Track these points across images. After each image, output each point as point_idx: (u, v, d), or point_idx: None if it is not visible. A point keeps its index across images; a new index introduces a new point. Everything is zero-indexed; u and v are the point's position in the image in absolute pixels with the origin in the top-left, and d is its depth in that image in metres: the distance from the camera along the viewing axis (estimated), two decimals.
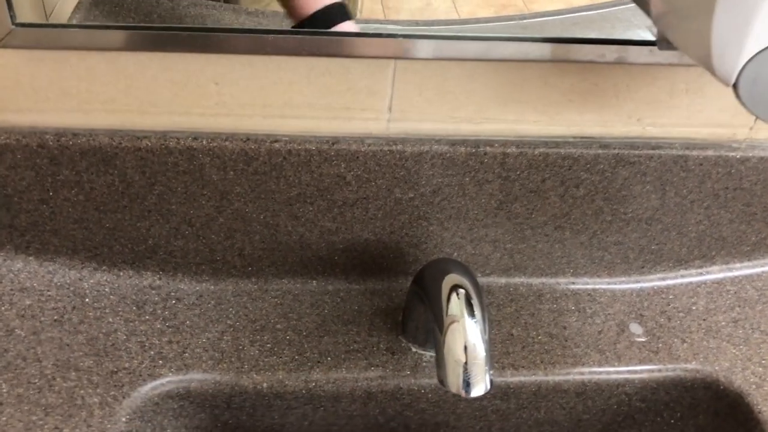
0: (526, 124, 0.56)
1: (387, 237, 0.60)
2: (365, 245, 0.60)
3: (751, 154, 0.58)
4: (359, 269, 0.62)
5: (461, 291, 0.49)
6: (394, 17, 0.61)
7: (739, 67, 0.39)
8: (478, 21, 0.61)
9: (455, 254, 0.62)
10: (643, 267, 0.65)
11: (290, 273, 0.61)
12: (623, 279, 0.65)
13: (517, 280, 0.64)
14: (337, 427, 0.58)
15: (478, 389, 0.46)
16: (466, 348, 0.47)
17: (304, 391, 0.55)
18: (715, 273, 0.66)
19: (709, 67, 0.40)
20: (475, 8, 0.63)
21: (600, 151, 0.56)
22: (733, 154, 0.58)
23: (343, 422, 0.58)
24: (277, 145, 0.53)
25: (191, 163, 0.53)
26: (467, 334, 0.47)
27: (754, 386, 0.57)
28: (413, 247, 0.61)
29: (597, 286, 0.64)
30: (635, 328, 0.62)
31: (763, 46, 0.39)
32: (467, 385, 0.46)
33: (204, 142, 0.52)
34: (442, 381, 0.47)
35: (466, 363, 0.47)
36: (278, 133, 0.54)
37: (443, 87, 0.53)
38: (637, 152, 0.57)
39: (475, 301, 0.49)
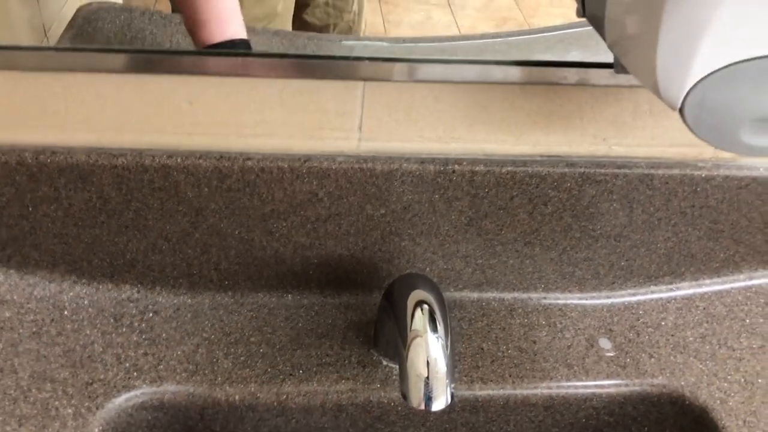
0: (493, 144, 0.57)
1: (360, 252, 0.61)
2: (339, 260, 0.61)
3: (716, 173, 0.60)
4: (333, 284, 0.63)
5: (425, 307, 0.51)
6: (394, 31, 0.62)
7: (684, 92, 0.41)
8: (474, 38, 0.62)
9: (427, 269, 0.63)
10: (613, 283, 0.66)
11: (266, 287, 0.62)
12: (594, 294, 0.66)
13: (488, 295, 0.65)
14: None
15: (439, 404, 0.47)
16: (428, 363, 0.48)
17: (275, 404, 0.56)
18: (684, 289, 0.67)
19: (656, 92, 0.42)
20: (475, 22, 0.64)
21: (566, 170, 0.58)
22: (699, 173, 0.59)
23: None
24: (250, 162, 0.54)
25: (166, 180, 0.55)
26: (429, 349, 0.48)
27: (719, 401, 0.58)
28: (386, 262, 0.62)
29: (568, 301, 0.66)
30: (604, 342, 0.63)
31: (707, 72, 0.40)
32: (428, 399, 0.48)
33: (179, 160, 0.54)
34: (404, 395, 0.48)
35: (427, 377, 0.48)
36: (251, 151, 0.55)
37: (411, 108, 0.55)
38: (603, 171, 0.58)
39: (438, 317, 0.50)
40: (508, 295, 0.65)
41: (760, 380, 0.60)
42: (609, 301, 0.66)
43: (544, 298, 0.66)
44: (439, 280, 0.64)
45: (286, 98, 0.54)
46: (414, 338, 0.49)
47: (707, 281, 0.67)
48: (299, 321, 0.61)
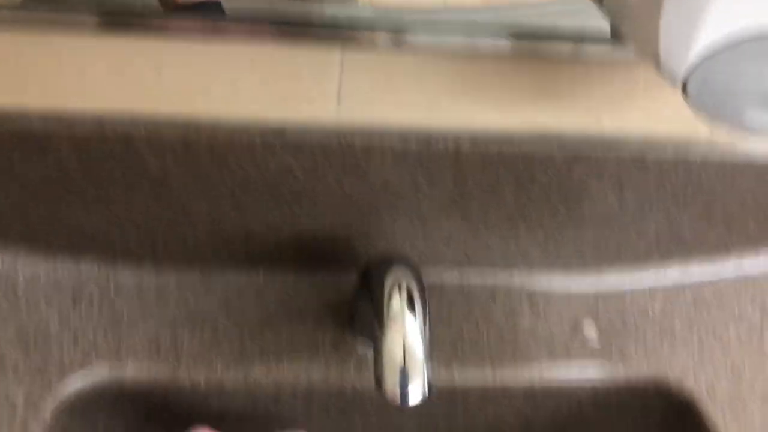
0: (479, 118, 0.54)
1: (337, 230, 0.58)
2: (314, 238, 0.58)
3: (711, 156, 0.57)
4: (308, 262, 0.60)
5: (404, 289, 0.48)
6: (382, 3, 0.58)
7: (688, 67, 0.38)
8: (463, 9, 0.58)
9: (407, 249, 0.60)
10: (600, 267, 0.63)
11: (235, 264, 0.59)
12: (580, 278, 0.63)
13: (471, 277, 0.62)
14: (278, 425, 0.56)
15: (415, 396, 0.45)
16: (404, 349, 0.45)
17: (243, 388, 0.53)
18: (673, 275, 0.64)
19: (657, 66, 0.39)
20: None
21: (556, 149, 0.55)
22: (694, 155, 0.57)
23: (285, 421, 0.56)
24: (219, 133, 0.51)
25: (129, 151, 0.51)
26: (407, 335, 0.46)
27: (705, 392, 0.56)
28: (364, 240, 0.59)
29: (553, 285, 0.63)
30: (589, 328, 0.60)
31: (714, 45, 0.37)
32: (404, 391, 0.45)
33: (142, 129, 0.50)
34: (378, 380, 0.46)
35: (404, 366, 0.45)
36: (221, 120, 0.52)
37: (394, 77, 0.52)
38: (594, 151, 0.55)
39: (417, 300, 0.48)
40: (491, 278, 0.63)
41: (747, 369, 0.58)
42: (595, 285, 0.64)
43: (529, 281, 0.63)
44: (420, 261, 0.61)
45: (259, 65, 0.50)
46: (391, 322, 0.46)
47: (697, 267, 0.64)
48: (270, 300, 0.58)
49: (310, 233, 0.57)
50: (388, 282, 0.48)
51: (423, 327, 0.47)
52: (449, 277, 0.62)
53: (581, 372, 0.57)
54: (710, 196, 0.59)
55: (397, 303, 0.47)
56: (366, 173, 0.54)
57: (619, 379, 0.57)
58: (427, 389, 0.45)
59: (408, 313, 0.46)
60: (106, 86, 0.50)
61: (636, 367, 0.58)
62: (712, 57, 0.38)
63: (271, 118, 0.52)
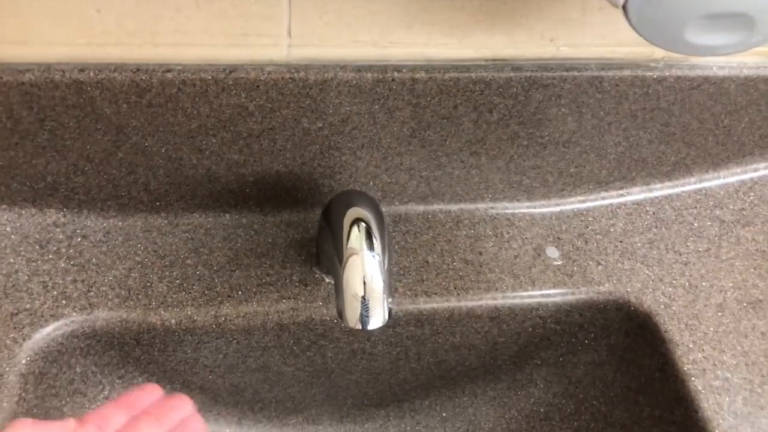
0: (434, 47, 0.54)
1: (299, 168, 0.58)
2: (277, 177, 0.58)
3: (668, 74, 0.57)
4: (273, 201, 0.61)
5: (362, 225, 0.49)
6: None
7: None
8: None
9: (370, 183, 0.60)
10: (562, 190, 0.64)
11: (201, 207, 0.60)
12: (543, 203, 0.64)
13: (435, 207, 0.63)
14: (252, 359, 0.58)
15: (375, 322, 0.46)
16: (364, 281, 0.46)
17: (214, 326, 0.54)
18: (635, 194, 0.65)
19: None
20: None
21: (512, 74, 0.55)
22: (650, 73, 0.57)
23: (258, 353, 0.58)
24: (170, 75, 0.50)
25: (80, 97, 0.50)
26: (365, 268, 0.47)
27: (662, 306, 0.58)
28: (327, 177, 0.59)
29: (516, 211, 0.64)
30: (552, 251, 0.62)
31: None
32: (364, 318, 0.46)
33: (91, 74, 0.49)
34: (340, 314, 0.47)
35: (363, 296, 0.46)
36: (170, 62, 0.51)
37: (344, 9, 0.51)
38: (550, 74, 0.55)
39: (375, 235, 0.48)
40: (454, 207, 0.63)
41: (703, 283, 0.60)
42: (558, 209, 0.65)
43: (492, 208, 0.64)
44: (383, 194, 0.62)
45: (204, 3, 0.49)
46: (350, 256, 0.47)
47: (658, 185, 0.66)
48: (237, 241, 0.59)
49: (273, 172, 0.58)
50: (347, 218, 0.49)
51: (382, 259, 0.48)
52: (413, 208, 0.63)
53: (543, 293, 0.59)
54: (668, 115, 0.60)
55: (355, 238, 0.48)
56: (323, 108, 0.54)
57: (580, 299, 0.59)
58: (386, 317, 0.47)
59: (366, 248, 0.47)
60: (49, 32, 0.49)
61: (597, 286, 0.59)
62: None
63: (222, 56, 0.52)
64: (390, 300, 0.48)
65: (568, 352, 0.62)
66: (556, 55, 0.56)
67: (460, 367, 0.65)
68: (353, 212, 0.50)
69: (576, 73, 0.56)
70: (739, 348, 0.56)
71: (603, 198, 0.65)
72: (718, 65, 0.58)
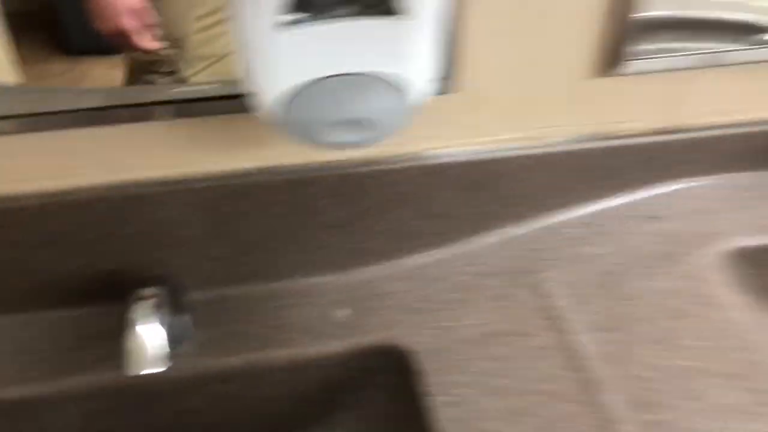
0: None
1: (109, 266, 0.74)
2: (83, 275, 0.74)
3: (408, 164, 0.74)
4: (81, 298, 0.75)
5: (148, 300, 0.64)
6: None
7: (269, 110, 0.55)
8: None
9: (176, 271, 0.75)
10: (349, 263, 0.80)
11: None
12: (334, 274, 0.80)
13: (242, 287, 0.79)
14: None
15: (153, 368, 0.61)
16: (143, 345, 0.62)
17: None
18: (406, 263, 0.81)
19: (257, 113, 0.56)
20: None
21: (279, 178, 0.72)
22: (394, 166, 0.74)
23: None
24: None
25: None
26: (146, 335, 0.62)
27: (421, 345, 0.72)
28: (136, 272, 0.75)
29: (313, 282, 0.79)
30: (342, 312, 0.77)
31: (285, 88, 0.54)
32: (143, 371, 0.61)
33: None
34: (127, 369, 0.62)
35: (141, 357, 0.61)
36: None
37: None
38: (313, 174, 0.72)
39: (159, 309, 0.64)
40: (261, 286, 0.79)
41: (456, 324, 0.75)
42: (347, 277, 0.80)
43: (292, 283, 0.79)
44: (192, 279, 0.76)
45: None
46: (134, 326, 0.63)
47: (423, 252, 0.81)
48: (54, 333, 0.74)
49: (76, 272, 0.73)
50: (138, 297, 0.65)
51: (164, 327, 0.63)
52: (218, 288, 0.78)
53: (325, 346, 0.73)
54: (414, 197, 0.77)
55: (139, 311, 0.63)
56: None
57: (356, 347, 0.73)
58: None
59: (150, 317, 0.63)
60: None
61: (371, 336, 0.74)
62: (289, 100, 0.54)
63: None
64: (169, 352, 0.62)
65: (356, 395, 0.76)
66: (311, 159, 0.73)
67: (287, 422, 0.78)
68: (144, 291, 0.66)
69: (341, 171, 0.73)
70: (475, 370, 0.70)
71: (384, 266, 0.81)
72: (447, 154, 0.75)
